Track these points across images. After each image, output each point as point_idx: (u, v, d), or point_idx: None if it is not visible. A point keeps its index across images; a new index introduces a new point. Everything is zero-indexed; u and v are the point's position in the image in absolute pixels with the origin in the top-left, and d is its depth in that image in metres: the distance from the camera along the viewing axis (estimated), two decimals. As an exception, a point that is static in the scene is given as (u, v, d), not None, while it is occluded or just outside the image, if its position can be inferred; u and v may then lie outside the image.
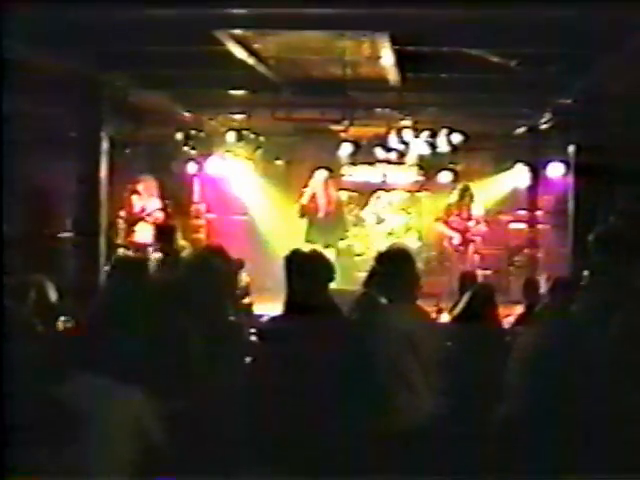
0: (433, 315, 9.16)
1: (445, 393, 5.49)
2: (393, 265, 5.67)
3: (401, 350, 5.33)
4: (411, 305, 5.73)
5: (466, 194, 14.13)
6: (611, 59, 9.36)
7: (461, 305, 7.19)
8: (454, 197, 14.25)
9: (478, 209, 14.26)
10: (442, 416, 5.34)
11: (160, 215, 13.82)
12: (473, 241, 14.12)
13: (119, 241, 13.27)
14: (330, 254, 12.18)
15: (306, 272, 5.17)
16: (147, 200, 13.93)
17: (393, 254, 5.89)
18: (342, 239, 14.48)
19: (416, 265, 5.79)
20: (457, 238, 14.05)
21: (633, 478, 3.92)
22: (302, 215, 14.48)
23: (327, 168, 15.02)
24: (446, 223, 14.17)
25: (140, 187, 13.96)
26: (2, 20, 6.14)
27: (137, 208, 13.81)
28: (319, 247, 13.08)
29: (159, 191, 14.35)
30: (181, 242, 10.82)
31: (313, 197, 14.47)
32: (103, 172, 11.36)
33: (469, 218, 14.09)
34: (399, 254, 5.84)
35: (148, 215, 13.67)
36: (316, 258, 5.38)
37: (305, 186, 14.64)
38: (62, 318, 7.43)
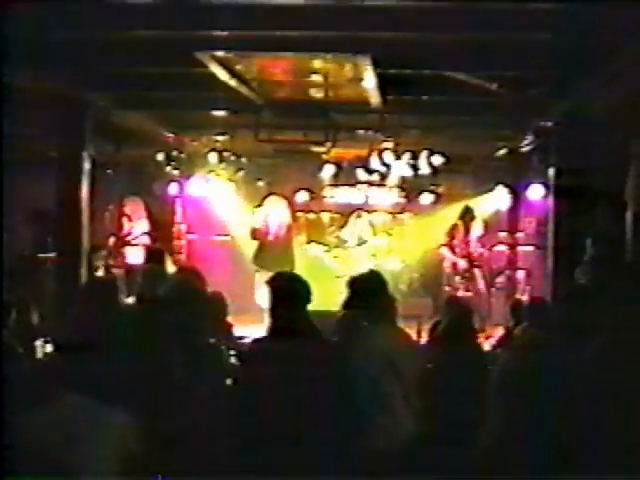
0: (414, 336, 9.19)
1: (425, 414, 5.52)
2: (366, 289, 5.76)
3: (382, 371, 5.35)
4: (392, 326, 5.76)
5: (467, 216, 14.12)
6: (591, 82, 9.43)
7: (441, 326, 7.23)
8: (456, 219, 14.22)
9: (480, 231, 14.24)
10: (422, 438, 5.35)
11: (146, 239, 13.83)
12: (479, 266, 14.08)
13: (99, 263, 13.19)
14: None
15: (287, 295, 5.20)
16: (135, 223, 13.94)
17: (365, 278, 5.98)
18: (290, 267, 14.09)
19: (388, 288, 5.88)
20: (462, 264, 13.99)
21: (631, 478, 3.93)
22: (253, 237, 14.37)
23: (308, 190, 15.10)
24: (451, 248, 14.10)
25: (128, 209, 13.97)
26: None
27: (125, 231, 13.84)
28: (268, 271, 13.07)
29: (147, 213, 14.36)
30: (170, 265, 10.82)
31: (265, 220, 14.37)
32: (84, 193, 11.33)
33: (472, 242, 14.05)
34: (371, 278, 5.92)
35: (135, 238, 13.69)
36: (296, 281, 5.42)
37: (258, 206, 14.58)
38: (42, 339, 7.43)
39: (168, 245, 15.30)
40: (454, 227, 14.15)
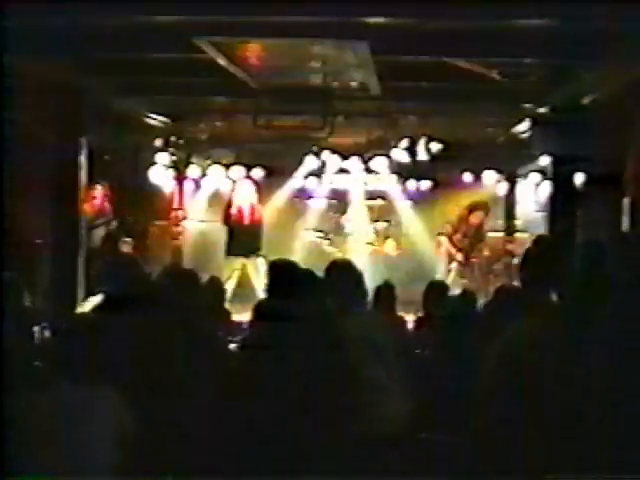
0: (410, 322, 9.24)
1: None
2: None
3: (370, 356, 5.39)
4: (386, 313, 5.80)
5: (478, 209, 14.10)
6: (589, 69, 9.44)
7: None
8: (462, 209, 14.23)
9: (482, 225, 14.24)
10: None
11: (114, 224, 13.69)
12: (475, 258, 14.11)
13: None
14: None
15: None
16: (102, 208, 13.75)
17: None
18: (257, 252, 14.20)
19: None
20: (460, 257, 14.01)
21: (633, 478, 3.93)
22: (225, 223, 14.36)
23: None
24: (450, 239, 14.10)
25: (96, 194, 13.76)
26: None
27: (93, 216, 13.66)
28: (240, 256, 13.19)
29: (113, 198, 14.15)
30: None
31: (238, 205, 14.34)
32: (82, 179, 11.32)
33: (476, 239, 14.06)
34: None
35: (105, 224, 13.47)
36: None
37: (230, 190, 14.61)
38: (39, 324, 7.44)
39: (166, 231, 15.34)
40: (459, 218, 14.13)
